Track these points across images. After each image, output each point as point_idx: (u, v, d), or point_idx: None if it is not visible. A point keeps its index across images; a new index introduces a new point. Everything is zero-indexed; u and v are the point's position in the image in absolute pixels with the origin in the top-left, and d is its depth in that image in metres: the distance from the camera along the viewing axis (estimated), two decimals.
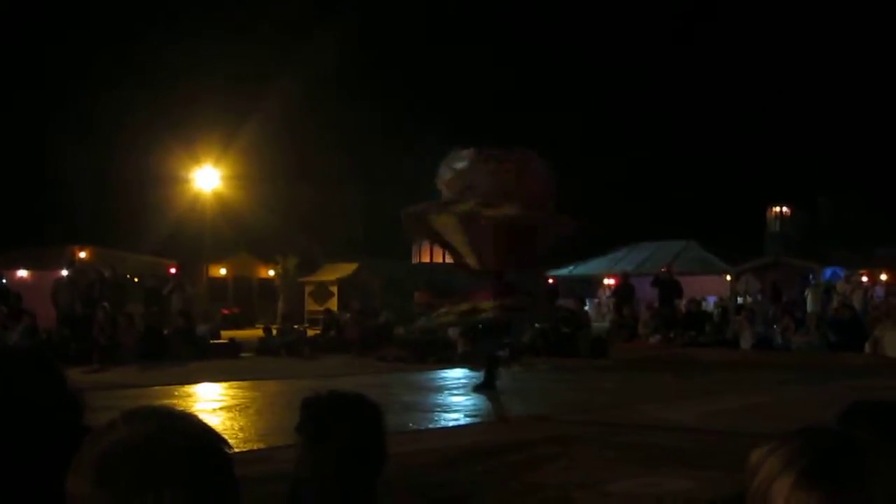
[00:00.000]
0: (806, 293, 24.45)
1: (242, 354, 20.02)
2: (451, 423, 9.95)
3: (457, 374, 15.77)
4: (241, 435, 8.53)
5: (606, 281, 32.10)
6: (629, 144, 47.06)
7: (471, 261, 13.26)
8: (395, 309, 24.43)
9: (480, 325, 14.02)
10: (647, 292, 25.11)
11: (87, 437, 1.27)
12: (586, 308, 25.31)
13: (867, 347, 18.02)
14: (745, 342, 19.78)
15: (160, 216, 35.81)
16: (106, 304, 19.86)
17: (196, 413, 1.38)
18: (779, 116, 48.80)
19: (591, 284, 34.74)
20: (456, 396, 12.52)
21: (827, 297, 24.10)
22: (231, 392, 13.07)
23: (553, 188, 13.55)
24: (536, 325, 19.99)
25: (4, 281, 23.88)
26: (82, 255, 28.86)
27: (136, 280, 26.44)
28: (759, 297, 26.64)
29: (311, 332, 23.90)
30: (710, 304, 26.87)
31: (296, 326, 23.68)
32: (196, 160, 35.34)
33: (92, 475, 1.21)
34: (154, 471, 1.19)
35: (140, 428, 1.24)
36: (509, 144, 13.63)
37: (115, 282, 21.99)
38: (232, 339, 21.20)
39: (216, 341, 21.01)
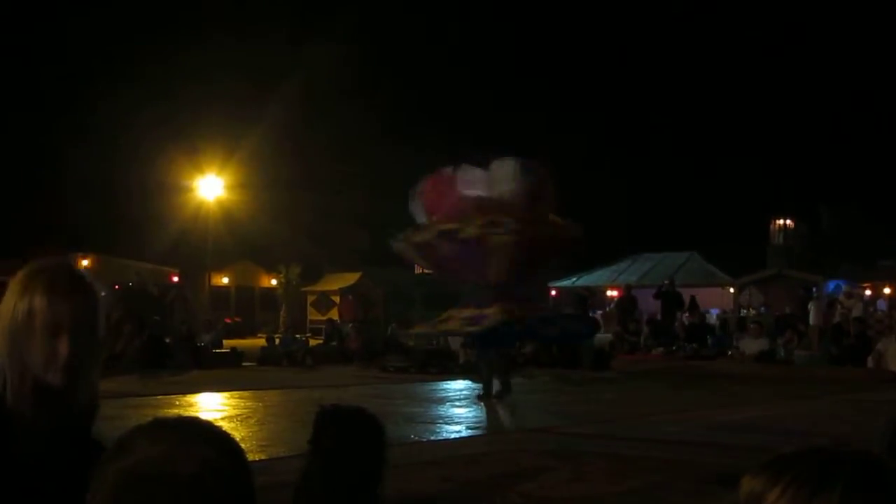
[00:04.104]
0: (809, 306, 24.38)
1: (244, 364, 19.99)
2: (452, 435, 9.92)
3: (458, 385, 15.75)
4: (242, 445, 8.50)
5: (609, 293, 32.07)
6: (632, 156, 47.10)
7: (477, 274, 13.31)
8: (397, 318, 24.46)
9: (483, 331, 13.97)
10: (649, 304, 25.09)
11: (105, 454, 1.26)
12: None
13: (870, 361, 17.97)
14: (748, 355, 19.72)
15: (163, 224, 35.82)
16: (114, 313, 19.87)
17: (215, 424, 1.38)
18: (781, 128, 48.83)
19: (594, 295, 34.69)
20: (457, 408, 12.50)
21: (830, 310, 24.05)
22: (232, 402, 13.05)
23: (552, 195, 13.58)
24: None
25: None
26: (85, 262, 28.86)
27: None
28: (763, 309, 26.58)
29: (312, 342, 23.89)
30: (712, 316, 26.83)
31: (298, 336, 23.67)
32: (199, 169, 35.39)
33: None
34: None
35: (158, 451, 1.22)
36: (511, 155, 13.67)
37: (139, 291, 21.98)
38: (234, 349, 21.16)
39: (218, 350, 20.98)
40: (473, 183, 13.23)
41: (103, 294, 2.17)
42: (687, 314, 23.27)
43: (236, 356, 20.37)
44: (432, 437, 9.67)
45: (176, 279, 30.22)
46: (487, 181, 13.18)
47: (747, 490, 1.19)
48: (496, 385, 13.39)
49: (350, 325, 24.84)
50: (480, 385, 13.57)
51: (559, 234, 13.61)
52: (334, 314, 33.47)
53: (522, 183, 13.06)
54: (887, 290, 27.73)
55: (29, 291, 2.04)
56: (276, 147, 40.42)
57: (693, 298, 23.86)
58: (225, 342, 22.80)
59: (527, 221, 12.80)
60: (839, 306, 23.78)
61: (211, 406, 12.76)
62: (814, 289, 26.65)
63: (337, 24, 44.06)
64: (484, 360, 13.98)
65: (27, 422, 1.98)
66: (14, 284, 2.08)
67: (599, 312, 33.06)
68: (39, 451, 1.97)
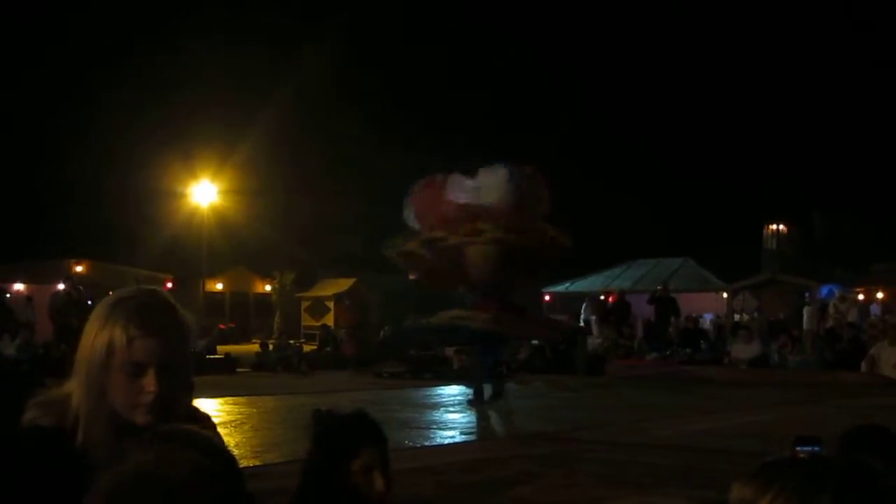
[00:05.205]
0: (804, 311, 24.40)
1: (238, 370, 19.97)
2: (447, 441, 9.93)
3: (453, 391, 15.75)
4: (236, 451, 8.51)
5: (602, 298, 32.09)
6: (626, 161, 47.16)
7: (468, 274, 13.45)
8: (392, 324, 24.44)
9: (473, 336, 14.04)
10: (644, 310, 25.11)
11: None
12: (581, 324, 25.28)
13: (863, 366, 18.00)
14: (741, 360, 19.74)
15: (157, 230, 35.79)
16: None
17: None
18: (775, 133, 48.96)
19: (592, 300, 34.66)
20: (452, 413, 12.51)
21: (822, 314, 24.06)
22: (227, 408, 13.03)
23: (547, 203, 13.73)
24: (533, 341, 20.03)
25: (8, 296, 23.66)
26: (79, 268, 28.80)
27: None
28: (756, 314, 26.60)
29: (307, 348, 23.87)
30: (706, 321, 26.83)
31: (292, 342, 23.65)
32: (193, 174, 35.37)
33: None
34: None
35: (150, 458, 1.24)
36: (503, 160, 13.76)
37: None
38: (228, 355, 21.14)
39: (212, 356, 20.96)
40: (462, 190, 13.32)
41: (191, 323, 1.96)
42: (674, 319, 23.28)
43: (230, 362, 20.35)
44: (426, 443, 9.69)
45: (170, 285, 30.16)
46: (476, 189, 13.27)
47: (738, 497, 1.21)
48: (488, 390, 13.43)
49: (344, 330, 24.83)
50: (471, 390, 13.59)
51: (547, 243, 13.69)
52: (329, 320, 33.40)
53: (511, 191, 13.17)
54: (881, 295, 27.73)
55: (110, 324, 1.84)
56: (269, 153, 40.49)
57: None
58: (219, 348, 22.78)
59: (512, 229, 12.92)
60: (832, 310, 23.80)
61: (205, 412, 12.74)
62: (807, 294, 26.67)
63: (330, 30, 44.13)
64: (479, 364, 14.02)
65: (100, 461, 1.80)
66: (96, 313, 1.88)
67: (594, 318, 33.06)
68: None
